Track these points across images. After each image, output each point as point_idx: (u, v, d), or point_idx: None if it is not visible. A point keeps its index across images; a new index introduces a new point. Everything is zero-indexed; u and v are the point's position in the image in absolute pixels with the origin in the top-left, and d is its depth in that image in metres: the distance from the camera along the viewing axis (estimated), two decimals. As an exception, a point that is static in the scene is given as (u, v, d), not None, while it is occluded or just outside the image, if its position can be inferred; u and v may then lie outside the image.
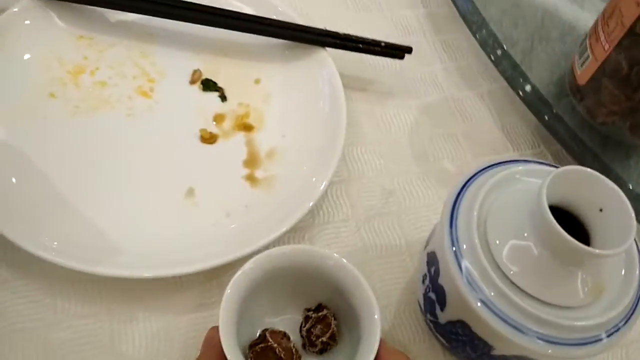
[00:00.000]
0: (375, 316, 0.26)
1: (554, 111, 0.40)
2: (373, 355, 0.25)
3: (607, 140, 0.39)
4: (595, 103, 0.38)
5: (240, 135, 0.38)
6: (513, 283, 0.26)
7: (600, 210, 0.26)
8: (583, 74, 0.38)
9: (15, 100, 0.36)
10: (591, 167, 0.26)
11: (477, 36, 0.44)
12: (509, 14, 0.45)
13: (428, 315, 0.31)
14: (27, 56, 0.38)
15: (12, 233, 0.30)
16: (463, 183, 0.29)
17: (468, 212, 0.27)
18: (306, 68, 0.40)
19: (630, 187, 0.38)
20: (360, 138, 0.40)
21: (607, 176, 0.26)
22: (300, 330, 0.29)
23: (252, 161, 0.37)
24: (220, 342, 0.25)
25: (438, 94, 0.44)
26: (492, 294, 0.26)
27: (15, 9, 0.38)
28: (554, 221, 0.24)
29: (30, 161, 0.34)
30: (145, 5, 0.39)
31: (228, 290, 0.26)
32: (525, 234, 0.26)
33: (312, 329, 0.28)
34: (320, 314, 0.28)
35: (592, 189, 0.26)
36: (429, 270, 0.30)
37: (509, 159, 0.30)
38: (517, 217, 0.27)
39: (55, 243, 0.31)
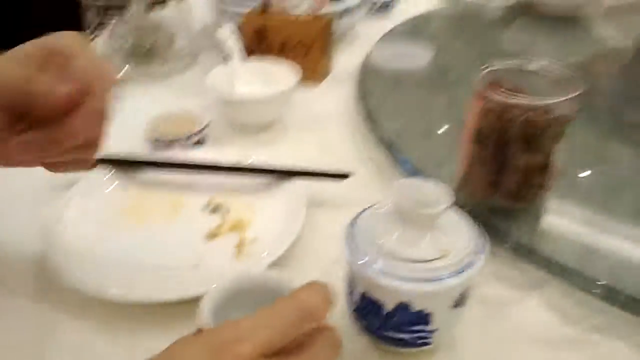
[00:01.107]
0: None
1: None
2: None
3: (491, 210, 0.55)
4: (473, 186, 0.56)
5: (235, 233, 0.56)
6: (393, 253, 0.41)
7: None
8: (461, 168, 0.57)
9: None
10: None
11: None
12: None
13: (350, 307, 0.44)
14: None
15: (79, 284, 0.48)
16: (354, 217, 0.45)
17: (360, 226, 0.44)
18: (281, 192, 0.60)
19: (507, 235, 0.53)
20: (319, 229, 0.57)
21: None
22: None
23: (240, 245, 0.55)
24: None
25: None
26: (381, 263, 0.40)
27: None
28: (402, 199, 0.40)
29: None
30: (176, 166, 0.62)
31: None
32: (395, 226, 0.42)
33: None
34: None
35: (427, 191, 0.42)
36: (347, 278, 0.45)
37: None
38: (389, 220, 0.43)
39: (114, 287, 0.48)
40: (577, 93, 0.50)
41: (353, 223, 0.44)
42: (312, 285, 0.36)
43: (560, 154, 0.53)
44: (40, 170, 0.47)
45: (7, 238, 0.57)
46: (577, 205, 0.58)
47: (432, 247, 0.41)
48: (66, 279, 0.49)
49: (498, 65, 0.55)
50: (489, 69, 0.55)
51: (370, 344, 0.46)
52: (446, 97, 0.79)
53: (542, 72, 0.54)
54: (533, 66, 0.55)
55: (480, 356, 0.46)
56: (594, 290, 0.49)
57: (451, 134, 0.70)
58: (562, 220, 0.55)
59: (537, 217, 0.55)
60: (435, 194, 0.42)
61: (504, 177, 0.53)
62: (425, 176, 0.62)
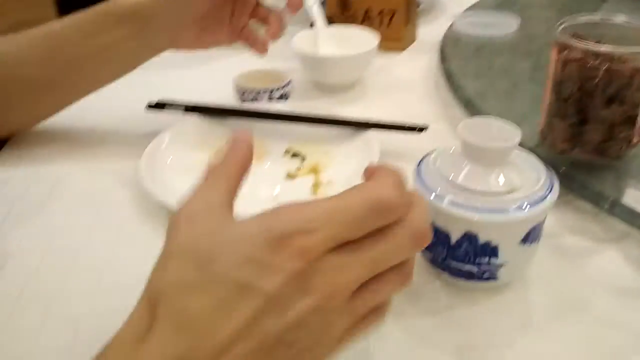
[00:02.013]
0: None
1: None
2: None
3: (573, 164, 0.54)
4: (553, 139, 0.55)
5: (311, 176, 0.59)
6: (461, 186, 0.41)
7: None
8: (542, 121, 0.56)
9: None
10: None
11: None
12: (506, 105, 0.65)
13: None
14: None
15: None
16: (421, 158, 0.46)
17: (428, 164, 0.45)
18: (356, 142, 0.62)
19: (590, 188, 0.52)
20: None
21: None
22: None
23: (315, 185, 0.57)
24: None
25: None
26: (449, 195, 0.41)
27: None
28: (469, 136, 0.41)
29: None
30: (260, 115, 0.65)
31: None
32: (463, 164, 0.43)
33: None
34: None
35: (495, 130, 0.43)
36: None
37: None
38: (457, 158, 0.44)
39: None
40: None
41: (421, 163, 0.45)
42: (385, 173, 0.31)
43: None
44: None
45: (107, 170, 0.63)
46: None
47: (501, 182, 0.41)
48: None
49: (579, 19, 0.54)
50: (569, 22, 0.54)
51: (438, 278, 0.47)
52: (531, 62, 0.78)
53: (624, 25, 0.52)
54: (614, 20, 0.53)
55: (551, 299, 0.45)
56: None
57: (535, 94, 0.69)
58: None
59: (622, 172, 0.54)
60: (503, 131, 0.42)
61: (586, 130, 0.52)
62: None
